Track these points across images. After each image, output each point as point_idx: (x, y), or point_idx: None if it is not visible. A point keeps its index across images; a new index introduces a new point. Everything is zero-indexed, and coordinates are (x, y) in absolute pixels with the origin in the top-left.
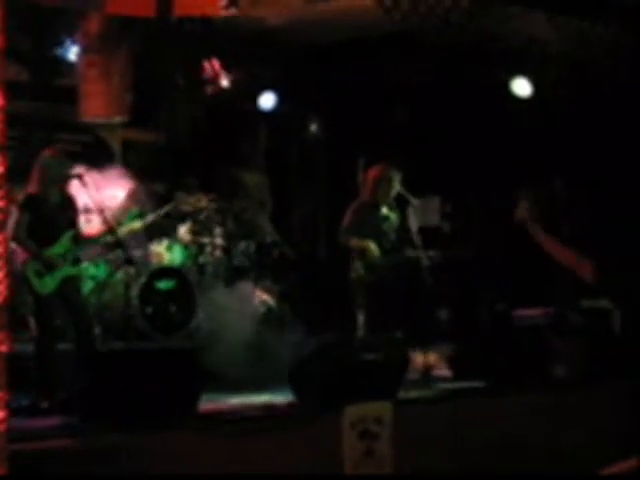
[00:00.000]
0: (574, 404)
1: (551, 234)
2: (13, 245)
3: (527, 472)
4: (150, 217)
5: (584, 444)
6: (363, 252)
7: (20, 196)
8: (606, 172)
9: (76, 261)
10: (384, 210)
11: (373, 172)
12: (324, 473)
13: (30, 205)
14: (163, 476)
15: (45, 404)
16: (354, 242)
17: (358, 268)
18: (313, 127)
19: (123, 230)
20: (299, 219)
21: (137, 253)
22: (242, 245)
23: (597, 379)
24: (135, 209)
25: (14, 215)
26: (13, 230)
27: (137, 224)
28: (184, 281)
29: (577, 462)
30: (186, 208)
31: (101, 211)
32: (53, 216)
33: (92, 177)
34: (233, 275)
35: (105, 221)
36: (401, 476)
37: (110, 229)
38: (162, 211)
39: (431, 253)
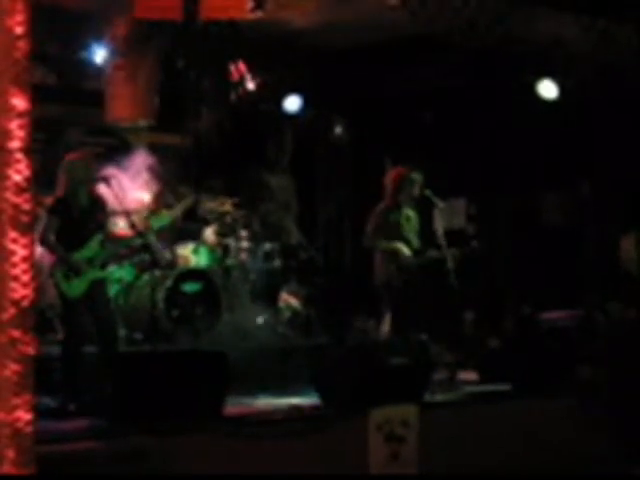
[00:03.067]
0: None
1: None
2: (41, 249)
3: (552, 475)
4: (177, 210)
5: (610, 447)
6: (394, 254)
7: (48, 200)
8: (634, 176)
9: (104, 264)
10: (406, 212)
11: (394, 174)
12: (350, 476)
13: (58, 209)
14: (186, 477)
15: (72, 406)
16: (384, 244)
17: (389, 270)
18: (338, 130)
19: (151, 233)
20: (325, 222)
21: (164, 256)
22: (267, 248)
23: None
24: (166, 217)
25: (43, 219)
26: (42, 234)
27: (165, 218)
28: (210, 284)
29: (604, 465)
30: (211, 211)
31: (127, 214)
32: (81, 219)
33: (118, 180)
34: (258, 278)
35: (132, 224)
36: (426, 477)
37: (138, 232)
38: (181, 206)
39: (455, 250)
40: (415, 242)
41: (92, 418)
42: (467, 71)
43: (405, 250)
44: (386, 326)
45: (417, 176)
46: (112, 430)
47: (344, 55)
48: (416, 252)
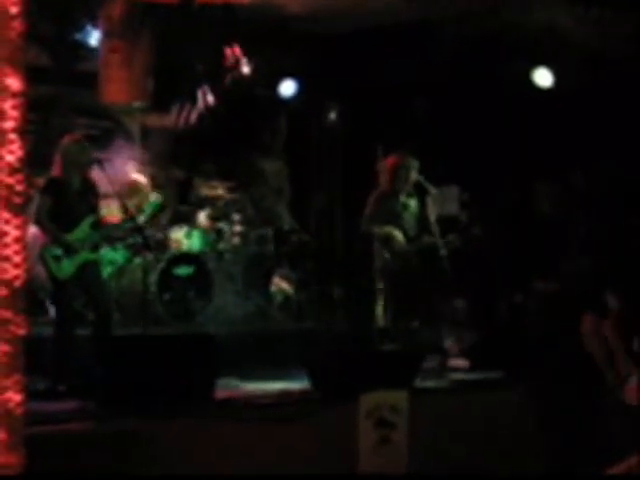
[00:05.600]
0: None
1: (569, 228)
2: (34, 229)
3: (542, 461)
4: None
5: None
6: (388, 240)
7: (40, 181)
8: (627, 165)
9: (96, 246)
10: (403, 198)
11: (390, 161)
12: (340, 461)
13: (51, 189)
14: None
15: (62, 388)
16: (378, 230)
17: (383, 255)
18: (332, 115)
19: (143, 217)
20: (317, 207)
21: (156, 238)
22: (260, 232)
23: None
24: (157, 198)
25: (36, 199)
26: (35, 213)
27: (157, 202)
28: (202, 267)
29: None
30: (205, 194)
31: (120, 197)
32: (74, 201)
33: (112, 162)
34: (251, 262)
35: (124, 207)
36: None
37: (130, 216)
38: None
39: (452, 237)
40: (412, 229)
41: (82, 400)
42: (461, 58)
43: (399, 236)
44: (378, 311)
45: (413, 163)
46: (102, 412)
47: (339, 41)
48: (409, 239)
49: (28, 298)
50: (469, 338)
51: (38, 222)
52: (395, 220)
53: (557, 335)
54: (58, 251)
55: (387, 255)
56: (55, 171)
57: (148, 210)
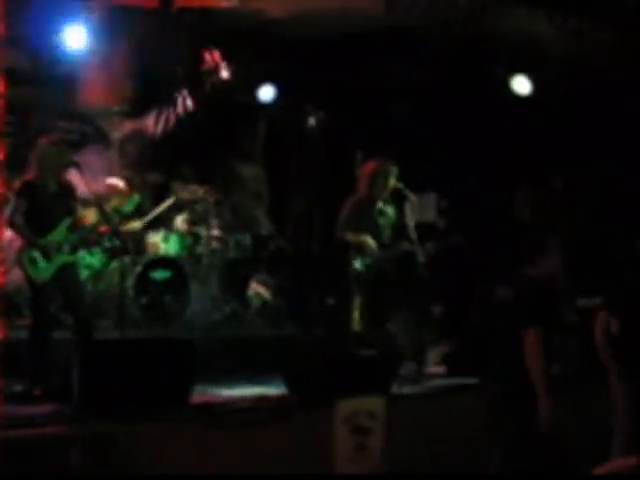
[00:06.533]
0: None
1: (551, 234)
2: (10, 232)
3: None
4: (149, 216)
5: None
6: (360, 247)
7: (17, 183)
8: (606, 171)
9: (73, 249)
10: (380, 205)
11: (370, 167)
12: (316, 466)
13: (27, 192)
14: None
15: (38, 391)
16: (351, 237)
17: (356, 263)
18: (311, 120)
19: (122, 226)
20: (295, 212)
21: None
22: (238, 237)
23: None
24: (136, 197)
25: (11, 201)
26: (10, 216)
27: (137, 224)
28: (180, 271)
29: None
30: (183, 198)
31: (97, 200)
32: (50, 203)
33: (89, 166)
34: (228, 267)
35: (102, 211)
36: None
37: (108, 219)
38: (160, 209)
39: (429, 245)
40: (387, 236)
41: (58, 403)
42: (441, 65)
43: (371, 243)
44: (355, 318)
45: (392, 169)
46: (78, 416)
47: (319, 46)
48: (385, 246)
49: (5, 301)
50: (446, 344)
51: (12, 225)
52: (370, 227)
53: None
54: (36, 254)
55: (359, 262)
56: (30, 173)
57: (128, 208)
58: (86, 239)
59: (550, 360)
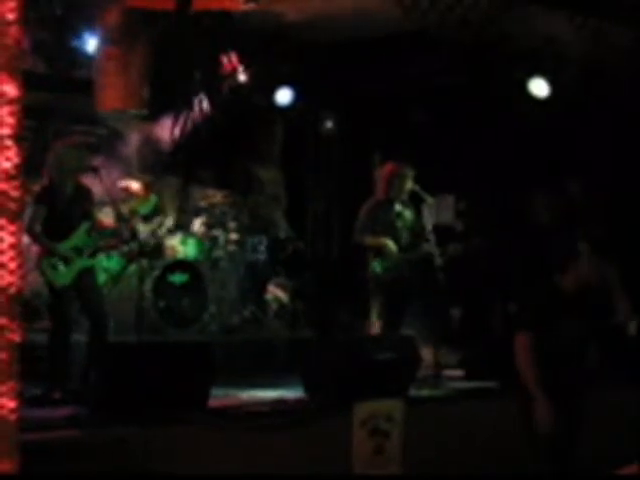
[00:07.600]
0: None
1: (567, 236)
2: (27, 238)
3: (536, 473)
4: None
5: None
6: (380, 250)
7: (35, 188)
8: (623, 176)
9: (92, 253)
10: (398, 207)
11: (387, 169)
12: (333, 470)
13: (46, 198)
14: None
15: (57, 395)
16: (370, 240)
17: (375, 266)
18: (329, 123)
19: (143, 228)
20: (313, 215)
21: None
22: (256, 240)
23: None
24: (153, 199)
25: (29, 209)
26: (28, 224)
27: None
28: (197, 275)
29: (589, 464)
30: (201, 202)
31: (115, 204)
32: (68, 208)
33: (107, 169)
34: (246, 270)
35: (119, 215)
36: (409, 477)
37: (126, 222)
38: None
39: (455, 246)
40: (405, 238)
41: (76, 407)
42: (458, 68)
43: (392, 246)
44: (373, 321)
45: (409, 171)
46: (96, 420)
47: (336, 49)
48: (403, 249)
49: (23, 305)
50: (464, 347)
51: (30, 233)
52: (388, 229)
53: None
54: (56, 260)
55: (378, 265)
56: (47, 177)
57: (145, 210)
58: (105, 243)
59: (554, 364)
